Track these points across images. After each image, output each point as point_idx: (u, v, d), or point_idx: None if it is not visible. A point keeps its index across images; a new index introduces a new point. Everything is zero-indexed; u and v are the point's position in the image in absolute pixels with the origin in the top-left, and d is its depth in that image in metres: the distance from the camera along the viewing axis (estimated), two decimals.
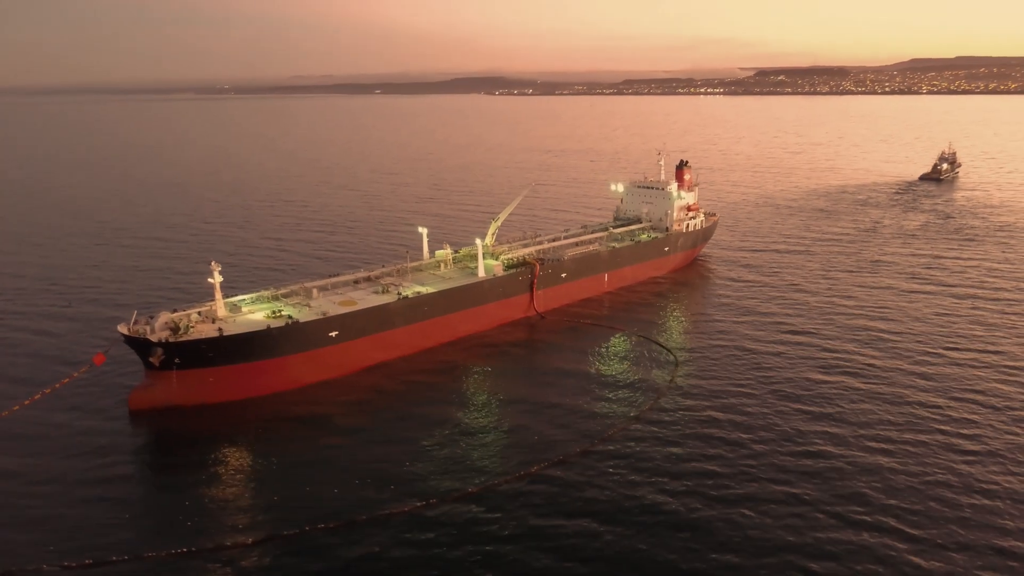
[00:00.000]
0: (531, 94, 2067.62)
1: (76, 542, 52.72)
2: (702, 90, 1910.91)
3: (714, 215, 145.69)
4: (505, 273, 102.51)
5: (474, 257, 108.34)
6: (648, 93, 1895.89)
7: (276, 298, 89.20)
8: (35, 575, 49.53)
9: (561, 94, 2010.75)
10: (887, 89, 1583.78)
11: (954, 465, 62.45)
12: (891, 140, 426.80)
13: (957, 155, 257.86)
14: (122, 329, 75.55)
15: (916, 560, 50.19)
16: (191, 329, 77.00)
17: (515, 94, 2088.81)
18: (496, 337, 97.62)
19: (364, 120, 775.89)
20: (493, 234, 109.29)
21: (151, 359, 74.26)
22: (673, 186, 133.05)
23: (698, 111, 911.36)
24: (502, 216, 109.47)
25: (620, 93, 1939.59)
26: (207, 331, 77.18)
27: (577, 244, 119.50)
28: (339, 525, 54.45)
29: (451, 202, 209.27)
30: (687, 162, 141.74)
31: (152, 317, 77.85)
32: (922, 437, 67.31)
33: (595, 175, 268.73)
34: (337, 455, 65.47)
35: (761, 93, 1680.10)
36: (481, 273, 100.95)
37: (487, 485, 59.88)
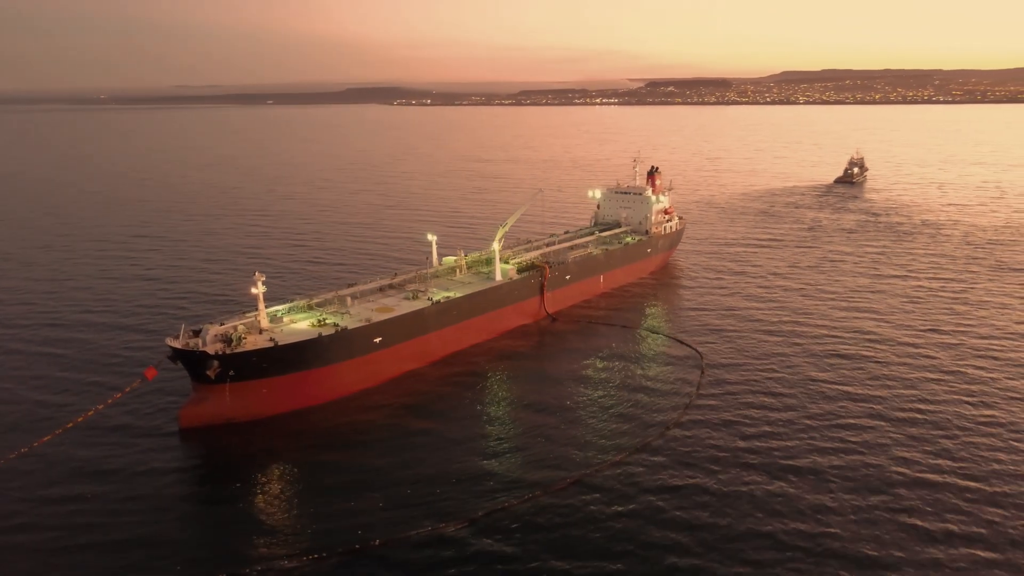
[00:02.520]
0: (429, 104, 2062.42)
1: (132, 565, 51.05)
2: (597, 100, 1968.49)
3: (683, 218, 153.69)
4: (519, 276, 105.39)
5: (486, 262, 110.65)
6: (546, 104, 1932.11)
7: (312, 307, 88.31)
8: None
9: (460, 104, 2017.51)
10: (767, 100, 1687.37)
11: (993, 416, 72.04)
12: (794, 147, 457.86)
13: (864, 160, 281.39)
14: (172, 343, 73.22)
15: (989, 488, 58.97)
16: (243, 341, 75.45)
17: (413, 104, 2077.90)
18: (519, 337, 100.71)
19: (271, 131, 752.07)
20: (501, 239, 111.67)
21: (207, 372, 72.34)
22: (650, 191, 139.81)
23: (601, 121, 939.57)
24: (510, 221, 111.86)
25: (519, 104, 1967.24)
26: (259, 342, 75.86)
27: (572, 248, 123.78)
28: (432, 531, 54.29)
29: (409, 208, 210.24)
30: (658, 168, 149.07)
31: (199, 330, 75.75)
32: (953, 396, 76.78)
33: (540, 183, 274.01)
34: (412, 460, 65.41)
35: (654, 103, 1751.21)
36: (498, 277, 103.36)
37: (597, 466, 63.18)
